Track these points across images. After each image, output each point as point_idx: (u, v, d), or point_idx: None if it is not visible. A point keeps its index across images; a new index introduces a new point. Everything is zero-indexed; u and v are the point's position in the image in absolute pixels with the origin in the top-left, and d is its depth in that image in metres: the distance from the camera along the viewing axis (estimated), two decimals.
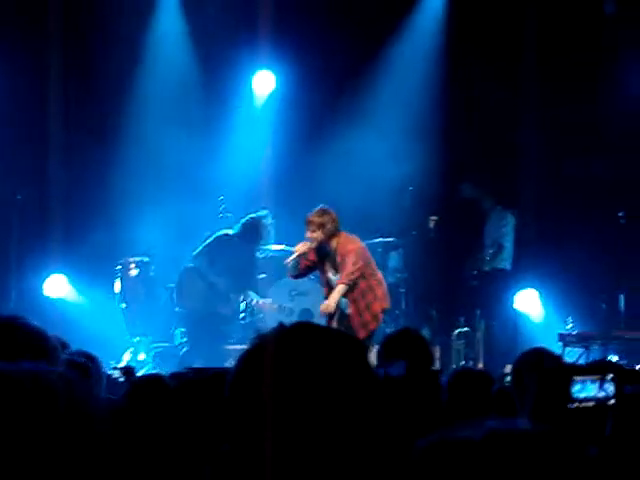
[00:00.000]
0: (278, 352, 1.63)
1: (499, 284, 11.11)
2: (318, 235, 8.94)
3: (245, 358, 1.67)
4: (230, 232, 10.72)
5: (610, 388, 3.62)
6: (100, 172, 11.64)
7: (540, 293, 11.62)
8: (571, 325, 11.44)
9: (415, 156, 11.82)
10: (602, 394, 3.63)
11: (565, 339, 10.75)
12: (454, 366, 11.18)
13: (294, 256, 9.11)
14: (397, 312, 11.30)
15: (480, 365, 11.06)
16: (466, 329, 11.53)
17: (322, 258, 9.13)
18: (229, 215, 11.30)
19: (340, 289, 8.94)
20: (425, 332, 11.48)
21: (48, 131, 11.56)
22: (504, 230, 11.11)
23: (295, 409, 1.58)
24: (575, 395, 3.64)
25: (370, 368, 1.67)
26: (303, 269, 9.27)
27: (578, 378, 3.65)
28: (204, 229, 11.10)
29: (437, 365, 10.16)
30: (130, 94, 12.08)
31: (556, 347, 11.13)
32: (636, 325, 10.89)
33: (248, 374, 1.64)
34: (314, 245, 9.00)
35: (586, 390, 3.65)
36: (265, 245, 10.90)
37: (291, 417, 1.58)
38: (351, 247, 8.98)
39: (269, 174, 12.03)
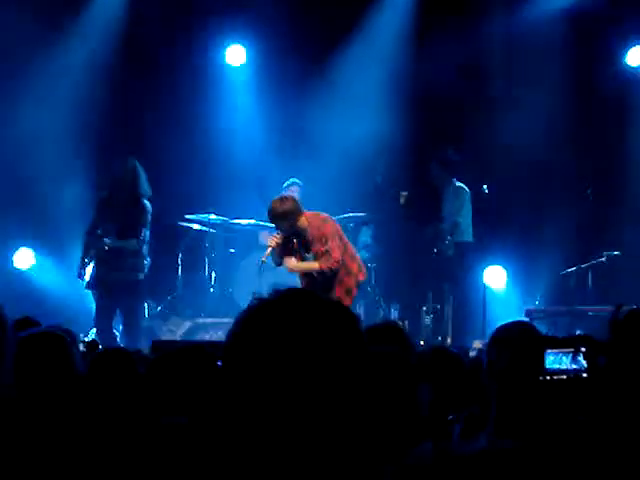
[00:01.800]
0: (277, 317, 1.64)
1: (462, 258, 11.12)
2: (286, 225, 8.71)
3: (243, 321, 1.67)
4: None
5: (583, 361, 3.66)
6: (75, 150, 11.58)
7: (507, 269, 11.70)
8: (538, 301, 11.57)
9: (386, 131, 11.83)
10: (575, 367, 3.67)
11: (532, 314, 10.84)
12: (421, 342, 11.24)
13: (268, 252, 8.85)
14: (368, 288, 11.34)
15: (449, 340, 11.12)
16: (435, 304, 11.59)
17: (292, 239, 8.92)
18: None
19: (312, 267, 8.82)
20: (394, 307, 11.56)
21: None
22: (458, 204, 11.12)
23: (291, 376, 1.59)
24: (548, 367, 3.67)
25: (364, 342, 1.69)
26: (284, 255, 9.01)
27: (551, 351, 3.69)
28: (172, 202, 11.12)
29: None
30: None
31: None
32: (603, 300, 11.00)
33: (246, 337, 1.64)
34: (284, 234, 8.79)
35: (559, 363, 3.68)
36: (142, 191, 9.59)
37: (286, 384, 1.59)
38: (326, 230, 8.75)
39: (237, 150, 12.01)
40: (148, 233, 9.61)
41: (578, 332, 10.51)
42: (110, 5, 12.00)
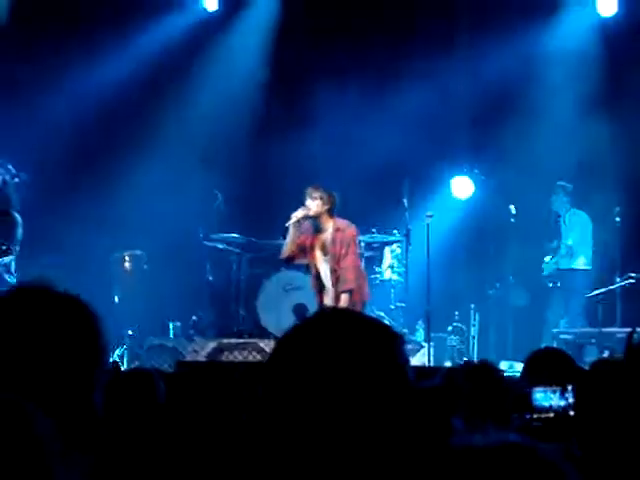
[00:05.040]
0: (314, 338, 1.65)
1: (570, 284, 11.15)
2: (317, 205, 9.02)
3: (283, 343, 1.69)
4: None
5: (570, 399, 3.60)
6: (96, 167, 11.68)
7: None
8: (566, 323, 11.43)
9: (413, 147, 11.74)
10: (563, 404, 3.61)
11: (559, 337, 10.72)
12: (448, 363, 11.14)
13: (292, 221, 9.10)
14: (391, 306, 11.27)
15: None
16: (460, 325, 11.50)
17: (315, 236, 9.22)
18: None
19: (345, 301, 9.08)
20: (420, 326, 11.44)
21: None
22: (569, 229, 11.13)
23: (326, 397, 1.59)
24: (535, 405, 3.62)
25: (401, 361, 1.68)
26: (297, 249, 9.22)
27: (539, 388, 3.64)
28: (197, 223, 11.14)
29: (431, 362, 10.15)
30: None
31: (551, 344, 11.12)
32: (631, 322, 10.83)
33: (284, 359, 1.66)
34: (311, 213, 9.06)
35: (547, 400, 3.62)
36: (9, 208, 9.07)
37: (319, 404, 1.59)
38: (350, 232, 9.13)
39: (261, 162, 12.03)
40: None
41: (606, 354, 10.39)
42: None
